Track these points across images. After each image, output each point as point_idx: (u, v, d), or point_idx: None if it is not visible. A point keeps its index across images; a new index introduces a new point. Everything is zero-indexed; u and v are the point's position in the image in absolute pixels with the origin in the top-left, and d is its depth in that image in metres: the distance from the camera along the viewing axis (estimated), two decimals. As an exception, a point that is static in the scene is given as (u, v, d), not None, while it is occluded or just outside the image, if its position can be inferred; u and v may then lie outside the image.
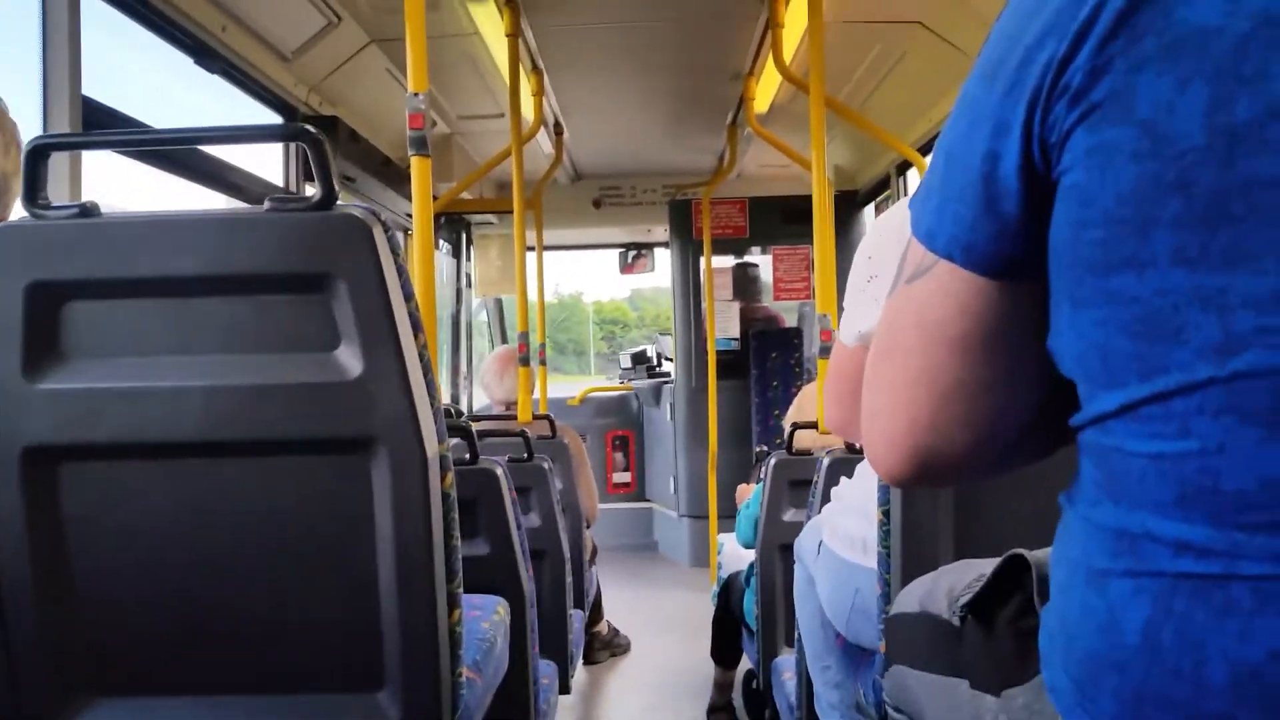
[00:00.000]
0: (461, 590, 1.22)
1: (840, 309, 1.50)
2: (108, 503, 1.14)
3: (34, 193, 1.10)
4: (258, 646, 1.17)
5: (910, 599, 1.02)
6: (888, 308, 0.66)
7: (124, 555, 1.15)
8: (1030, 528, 1.11)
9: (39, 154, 1.11)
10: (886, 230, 1.39)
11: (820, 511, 1.94)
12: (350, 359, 1.12)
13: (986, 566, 0.92)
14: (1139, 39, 0.49)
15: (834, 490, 1.71)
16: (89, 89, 1.99)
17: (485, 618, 1.53)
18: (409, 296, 1.16)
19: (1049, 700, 0.59)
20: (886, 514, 1.35)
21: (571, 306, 25.24)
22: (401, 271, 1.15)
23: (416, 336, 1.17)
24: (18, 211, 1.30)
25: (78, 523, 1.14)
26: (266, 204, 1.12)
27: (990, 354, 0.60)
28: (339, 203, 1.13)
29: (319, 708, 1.16)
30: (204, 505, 1.15)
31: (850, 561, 1.53)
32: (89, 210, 1.10)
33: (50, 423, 1.11)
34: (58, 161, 1.89)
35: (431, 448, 1.15)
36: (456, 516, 1.21)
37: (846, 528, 1.56)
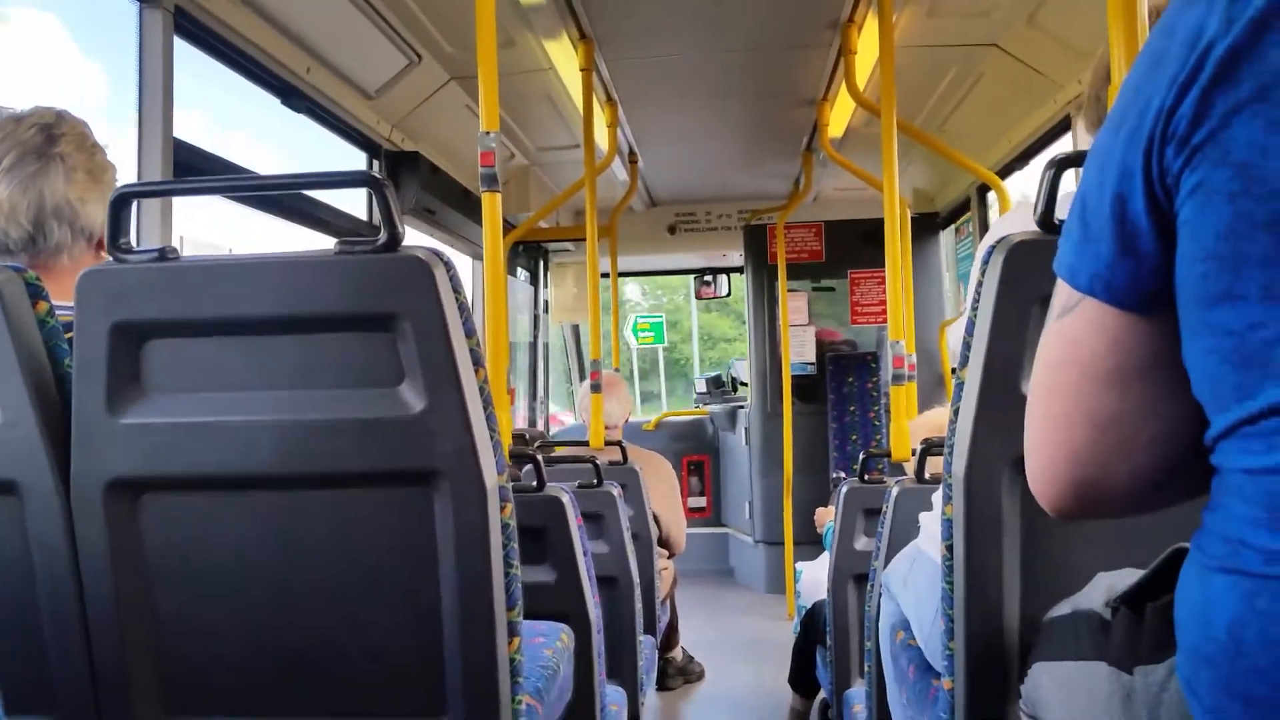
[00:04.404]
0: (521, 619, 1.24)
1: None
2: (185, 532, 1.20)
3: (116, 237, 1.17)
4: (325, 671, 1.21)
5: (1063, 606, 1.05)
6: (1040, 345, 0.68)
7: (199, 582, 1.20)
8: (1100, 566, 1.08)
9: (122, 202, 1.17)
10: None
11: (887, 541, 1.92)
12: (414, 395, 1.15)
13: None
14: (1238, 84, 0.51)
15: (934, 496, 1.69)
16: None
17: (549, 645, 1.55)
18: (470, 334, 1.19)
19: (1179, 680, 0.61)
20: (950, 549, 1.33)
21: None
22: (463, 309, 1.19)
23: (477, 372, 1.20)
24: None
25: (157, 550, 1.19)
26: (334, 246, 1.16)
27: (1142, 385, 0.62)
28: (404, 244, 1.17)
29: None
30: (275, 535, 1.19)
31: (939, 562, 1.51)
32: (167, 254, 1.16)
33: (133, 456, 1.17)
34: (152, 202, 2.00)
35: (491, 479, 1.17)
36: (516, 546, 1.23)
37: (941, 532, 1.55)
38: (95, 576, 1.17)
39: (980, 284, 1.20)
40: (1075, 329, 0.64)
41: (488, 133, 1.98)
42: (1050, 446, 0.67)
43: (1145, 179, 0.57)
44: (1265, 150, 0.51)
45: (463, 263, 4.42)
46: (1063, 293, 0.65)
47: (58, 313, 1.19)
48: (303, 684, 1.21)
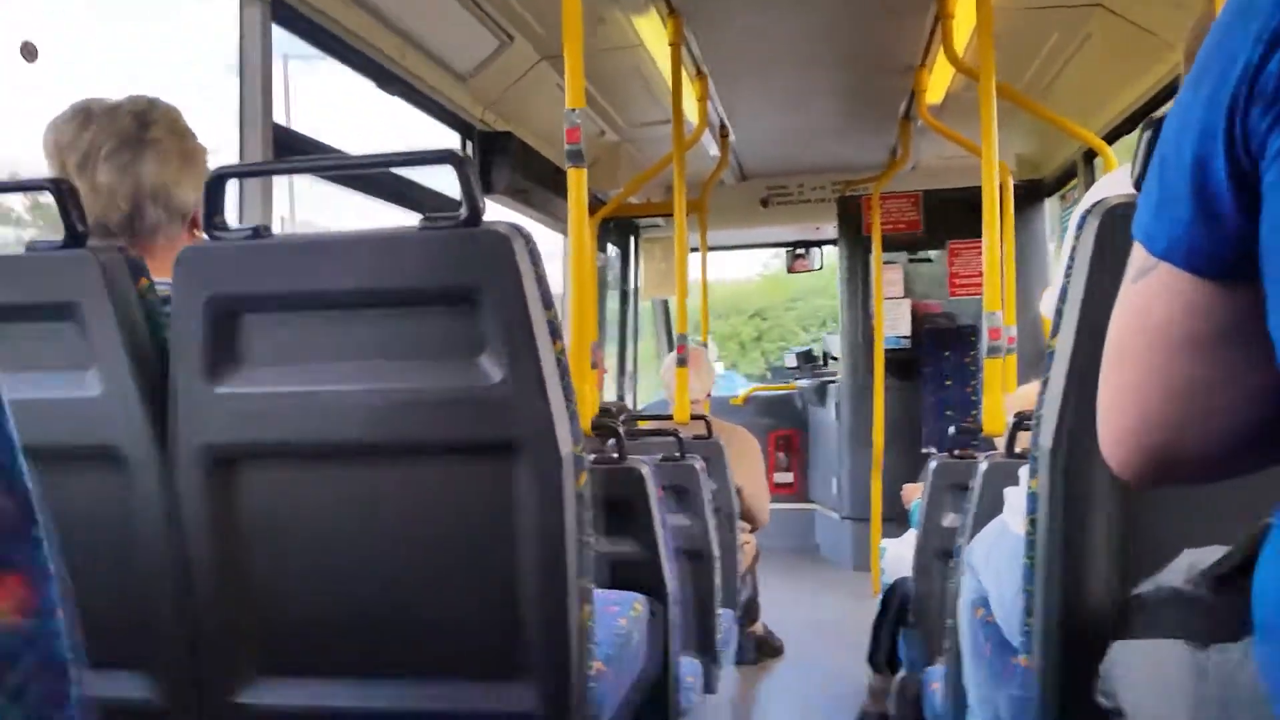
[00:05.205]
0: (593, 586, 1.26)
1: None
2: (277, 498, 1.26)
3: (212, 216, 1.23)
4: (406, 634, 1.26)
5: (1146, 584, 1.04)
6: (1116, 307, 0.67)
7: (290, 546, 1.26)
8: (1193, 543, 1.04)
9: (217, 183, 1.24)
10: None
11: (974, 518, 1.88)
12: (493, 366, 1.18)
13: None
14: None
15: (1021, 470, 1.66)
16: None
17: (623, 614, 1.57)
18: (548, 306, 1.21)
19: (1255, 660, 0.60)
20: (1034, 523, 1.29)
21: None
22: (541, 282, 1.21)
23: (555, 344, 1.22)
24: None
25: (251, 515, 1.26)
26: (419, 223, 1.20)
27: (1217, 352, 0.60)
28: (485, 219, 1.20)
29: (460, 694, 1.24)
30: (362, 502, 1.25)
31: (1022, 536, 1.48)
32: (260, 232, 1.22)
33: (229, 423, 1.24)
34: (253, 184, 2.10)
35: (566, 449, 1.20)
36: (590, 515, 1.26)
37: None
38: (194, 538, 1.25)
39: (1074, 250, 1.16)
40: (1150, 294, 0.62)
41: (573, 110, 2.00)
42: (1122, 411, 0.65)
43: (1227, 141, 0.54)
44: None
45: (555, 239, 4.47)
46: (1139, 256, 0.63)
47: (156, 288, 1.26)
48: (385, 645, 1.26)
